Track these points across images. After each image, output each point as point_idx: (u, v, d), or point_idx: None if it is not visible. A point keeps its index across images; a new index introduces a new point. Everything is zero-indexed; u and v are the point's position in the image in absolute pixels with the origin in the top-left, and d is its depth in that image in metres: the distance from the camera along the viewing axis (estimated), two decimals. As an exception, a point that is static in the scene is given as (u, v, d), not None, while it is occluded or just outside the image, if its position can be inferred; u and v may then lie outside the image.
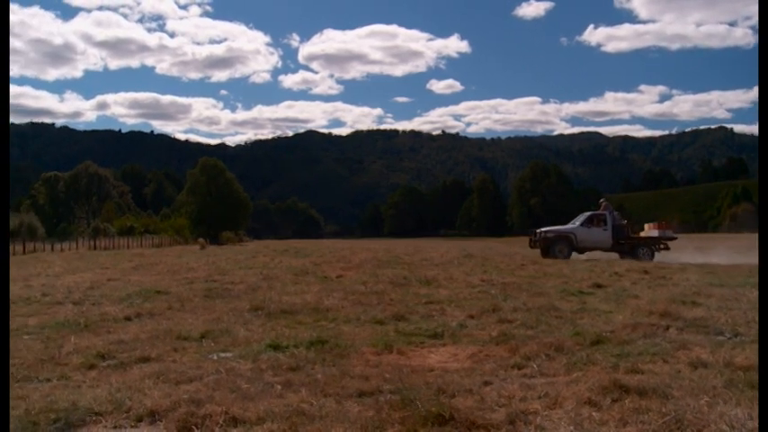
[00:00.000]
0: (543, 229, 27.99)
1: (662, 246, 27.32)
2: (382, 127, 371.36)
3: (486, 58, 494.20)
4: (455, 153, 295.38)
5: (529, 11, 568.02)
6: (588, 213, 28.40)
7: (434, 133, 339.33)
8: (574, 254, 26.58)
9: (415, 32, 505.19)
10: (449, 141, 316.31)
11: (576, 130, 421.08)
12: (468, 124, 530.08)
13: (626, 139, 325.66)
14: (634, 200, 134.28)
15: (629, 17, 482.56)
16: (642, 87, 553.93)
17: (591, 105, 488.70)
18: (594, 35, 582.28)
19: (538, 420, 4.18)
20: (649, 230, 28.30)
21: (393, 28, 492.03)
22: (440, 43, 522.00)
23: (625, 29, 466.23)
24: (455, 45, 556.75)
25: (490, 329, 7.54)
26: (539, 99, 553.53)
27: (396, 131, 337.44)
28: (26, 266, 21.77)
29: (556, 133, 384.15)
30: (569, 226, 28.13)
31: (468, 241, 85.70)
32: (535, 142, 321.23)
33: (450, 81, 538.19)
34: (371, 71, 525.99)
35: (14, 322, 8.25)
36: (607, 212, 27.80)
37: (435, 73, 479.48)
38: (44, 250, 39.33)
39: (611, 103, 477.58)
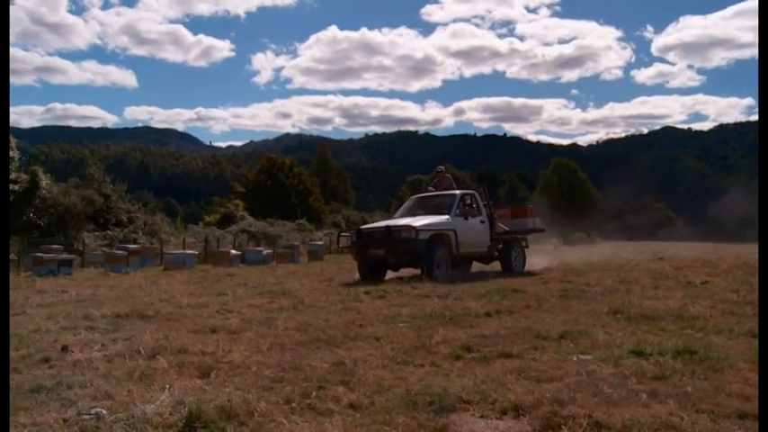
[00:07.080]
0: (399, 224, 14.80)
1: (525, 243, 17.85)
2: (752, 118, 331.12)
3: None
4: None
5: None
6: (458, 193, 16.05)
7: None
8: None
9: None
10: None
11: None
12: None
13: None
14: None
15: None
16: None
17: None
18: None
19: None
20: (514, 221, 17.43)
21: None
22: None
23: None
24: None
25: None
26: None
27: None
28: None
29: None
30: (441, 218, 14.99)
31: None
32: None
33: None
34: (740, 56, 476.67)
35: (391, 311, 9.24)
36: (475, 192, 16.53)
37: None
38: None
39: None
